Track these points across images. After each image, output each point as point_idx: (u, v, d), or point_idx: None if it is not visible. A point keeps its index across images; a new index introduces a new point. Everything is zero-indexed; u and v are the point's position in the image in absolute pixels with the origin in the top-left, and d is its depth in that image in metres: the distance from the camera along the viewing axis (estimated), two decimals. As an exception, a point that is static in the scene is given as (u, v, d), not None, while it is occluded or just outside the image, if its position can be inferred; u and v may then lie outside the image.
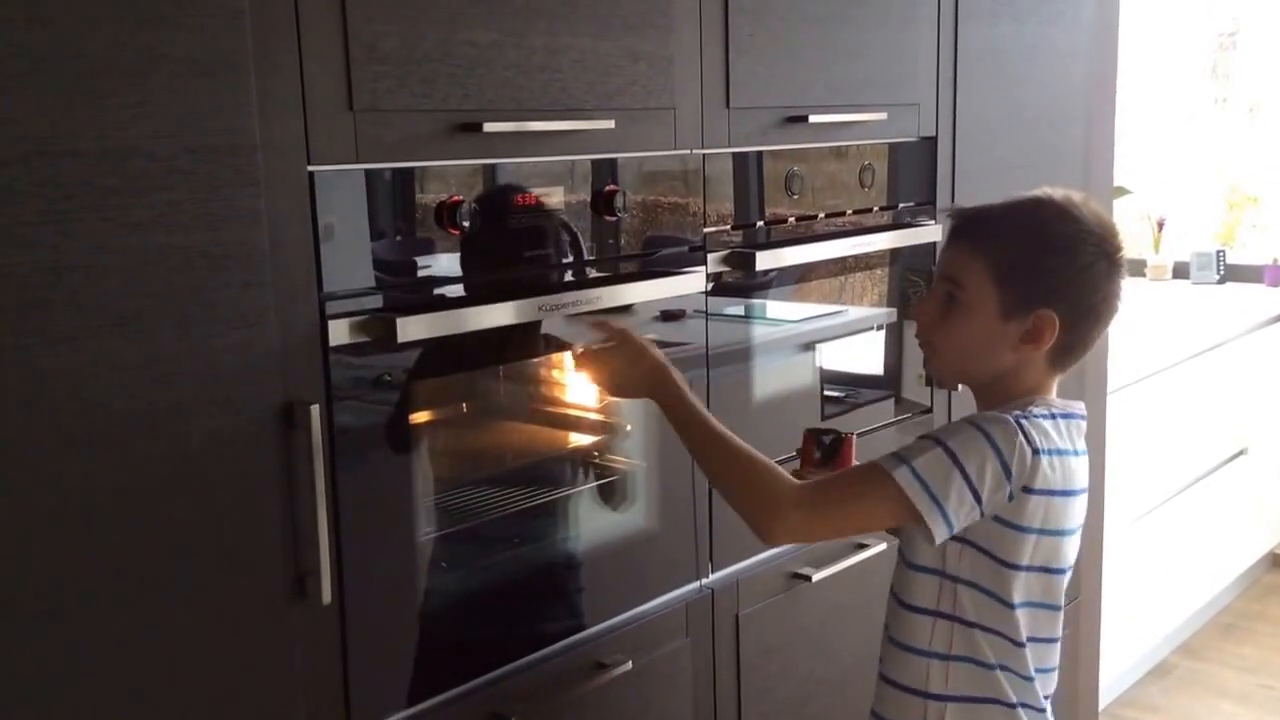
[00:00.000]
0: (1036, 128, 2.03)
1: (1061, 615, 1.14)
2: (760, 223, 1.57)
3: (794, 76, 1.54)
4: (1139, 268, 3.80)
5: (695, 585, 1.53)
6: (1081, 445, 1.13)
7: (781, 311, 1.66)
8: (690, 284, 1.44)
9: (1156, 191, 3.90)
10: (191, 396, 0.99)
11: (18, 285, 0.89)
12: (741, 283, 1.55)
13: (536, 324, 1.29)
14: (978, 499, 1.06)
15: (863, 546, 1.73)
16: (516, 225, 1.28)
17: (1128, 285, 1.15)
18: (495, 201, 1.25)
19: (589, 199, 1.34)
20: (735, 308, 1.56)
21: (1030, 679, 1.13)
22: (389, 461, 1.19)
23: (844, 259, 1.70)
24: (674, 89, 1.38)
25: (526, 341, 1.33)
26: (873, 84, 1.67)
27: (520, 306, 1.24)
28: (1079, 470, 1.12)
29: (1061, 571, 1.12)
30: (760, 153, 1.54)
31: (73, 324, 0.92)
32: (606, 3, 1.28)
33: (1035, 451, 1.06)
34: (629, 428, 1.46)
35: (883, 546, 1.72)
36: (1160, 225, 3.86)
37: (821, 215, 1.65)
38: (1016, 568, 1.09)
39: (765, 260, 1.52)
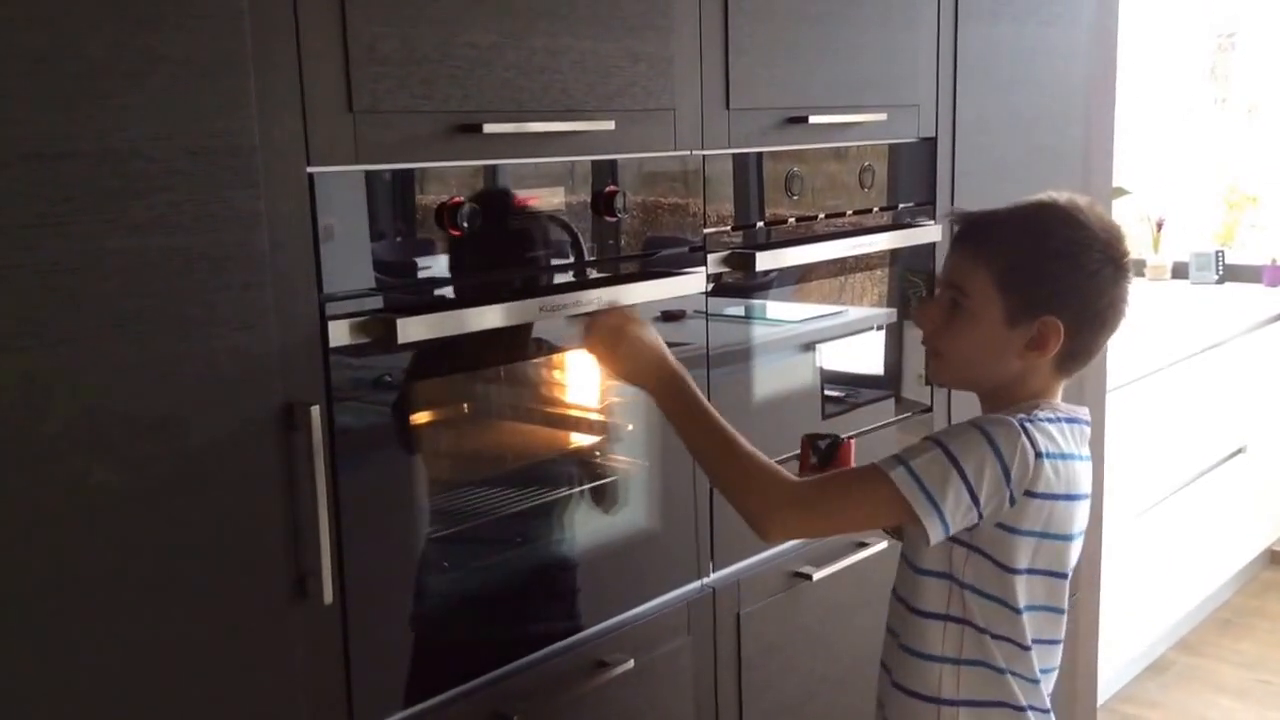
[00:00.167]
0: (1036, 128, 2.03)
1: (1065, 618, 1.14)
2: (760, 223, 1.57)
3: (794, 77, 1.54)
4: (1138, 268, 3.80)
5: (696, 584, 1.53)
6: (1086, 450, 1.13)
7: (782, 312, 1.67)
8: (690, 285, 1.44)
9: (1155, 192, 3.90)
10: (191, 398, 0.99)
11: (17, 287, 0.89)
12: (742, 283, 1.55)
13: (537, 325, 1.29)
14: (975, 501, 1.05)
15: (863, 545, 1.73)
16: (517, 226, 1.28)
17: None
18: (495, 202, 1.25)
19: (589, 200, 1.34)
20: (735, 308, 1.56)
21: (1036, 681, 1.13)
22: (390, 462, 1.19)
23: (844, 259, 1.70)
24: (674, 90, 1.38)
25: (527, 342, 1.33)
26: (872, 85, 1.67)
27: (520, 307, 1.24)
28: (1083, 475, 1.11)
29: (1064, 576, 1.12)
30: (760, 153, 1.54)
31: (72, 326, 0.92)
32: (606, 4, 1.28)
33: (1038, 455, 1.06)
34: (630, 427, 1.46)
35: (883, 545, 1.73)
36: (1159, 225, 3.86)
37: (821, 216, 1.65)
38: (1020, 572, 1.09)
39: (765, 261, 1.52)
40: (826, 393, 1.73)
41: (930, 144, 1.81)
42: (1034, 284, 1.10)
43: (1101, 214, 1.14)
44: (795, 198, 1.60)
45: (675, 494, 1.49)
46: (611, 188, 1.34)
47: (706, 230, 1.48)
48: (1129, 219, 3.76)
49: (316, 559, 1.07)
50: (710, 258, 1.48)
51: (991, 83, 1.91)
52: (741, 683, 1.58)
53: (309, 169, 1.05)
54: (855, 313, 1.79)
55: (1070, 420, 1.12)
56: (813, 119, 1.56)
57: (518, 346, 1.33)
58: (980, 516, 1.07)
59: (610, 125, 1.30)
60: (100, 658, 0.97)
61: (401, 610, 1.22)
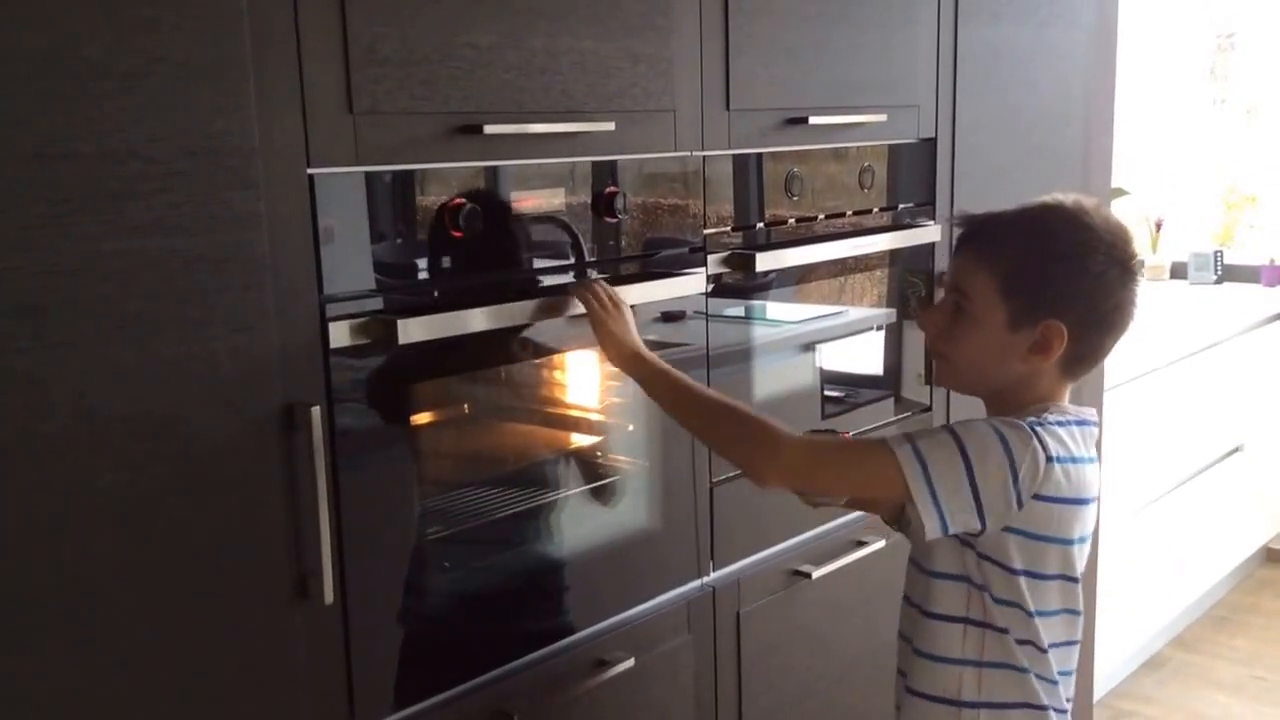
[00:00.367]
0: (1035, 129, 2.03)
1: (1080, 620, 1.13)
2: (760, 224, 1.57)
3: (794, 78, 1.54)
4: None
5: (697, 583, 1.53)
6: (1094, 452, 1.12)
7: (781, 312, 1.67)
8: (690, 285, 1.44)
9: (1154, 192, 3.90)
10: (192, 399, 0.99)
11: (16, 288, 0.89)
12: (742, 284, 1.55)
13: (537, 325, 1.29)
14: (978, 501, 1.04)
15: (861, 544, 1.73)
16: (517, 227, 1.28)
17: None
18: (496, 203, 1.25)
19: (589, 201, 1.34)
20: (735, 309, 1.56)
21: (1055, 682, 1.12)
22: (390, 462, 1.19)
23: (844, 260, 1.70)
24: (674, 91, 1.38)
25: (527, 343, 1.33)
26: (872, 85, 1.67)
27: (521, 308, 1.24)
28: (1092, 478, 1.10)
29: (1075, 580, 1.11)
30: (760, 154, 1.54)
31: (72, 327, 0.92)
32: (606, 4, 1.28)
33: (1049, 459, 1.04)
34: (630, 428, 1.46)
35: (881, 544, 1.73)
36: (1158, 226, 3.87)
37: (821, 216, 1.65)
38: (1030, 575, 1.08)
39: (765, 261, 1.52)
40: (826, 393, 1.74)
41: (930, 144, 1.81)
42: (1037, 287, 1.09)
43: (1108, 215, 1.12)
44: (795, 198, 1.60)
45: (675, 494, 1.49)
46: (612, 188, 1.34)
47: (706, 231, 1.48)
48: (1128, 219, 3.76)
49: (317, 559, 1.08)
50: (710, 258, 1.48)
51: (991, 83, 1.91)
52: (741, 681, 1.59)
53: (309, 170, 1.05)
54: (855, 313, 1.79)
55: (1080, 423, 1.11)
56: (813, 119, 1.56)
57: (518, 347, 1.33)
58: (983, 521, 1.05)
59: (610, 126, 1.30)
60: (101, 658, 0.97)
61: (403, 610, 1.22)
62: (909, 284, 1.84)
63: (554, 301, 1.27)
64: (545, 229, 1.31)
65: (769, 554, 1.62)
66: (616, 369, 1.27)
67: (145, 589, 0.98)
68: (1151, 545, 2.84)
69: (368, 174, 1.12)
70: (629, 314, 1.27)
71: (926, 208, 1.83)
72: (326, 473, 1.07)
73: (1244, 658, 2.98)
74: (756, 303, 1.61)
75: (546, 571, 1.40)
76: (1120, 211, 3.33)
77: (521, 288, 1.28)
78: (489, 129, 1.17)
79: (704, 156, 1.45)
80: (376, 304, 1.14)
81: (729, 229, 1.51)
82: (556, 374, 1.43)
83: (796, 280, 1.66)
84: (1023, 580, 1.08)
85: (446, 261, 1.22)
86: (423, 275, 1.20)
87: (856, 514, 1.72)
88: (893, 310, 1.83)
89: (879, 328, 1.83)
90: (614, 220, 1.36)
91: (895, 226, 1.78)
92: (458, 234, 1.18)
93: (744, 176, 1.53)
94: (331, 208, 1.08)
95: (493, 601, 1.33)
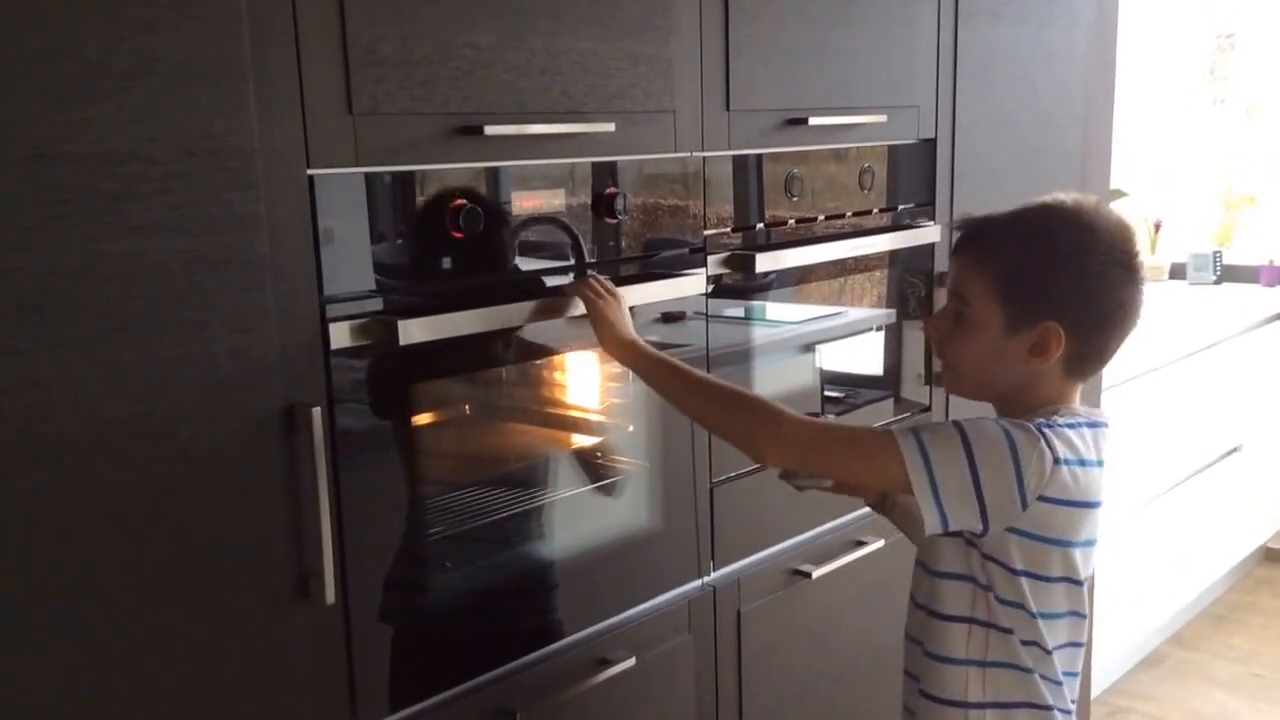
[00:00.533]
0: (1035, 129, 2.03)
1: (1086, 622, 1.12)
2: (760, 225, 1.57)
3: (794, 79, 1.54)
4: (1136, 267, 3.80)
5: (697, 583, 1.53)
6: (1105, 455, 1.10)
7: (781, 313, 1.67)
8: (690, 286, 1.44)
9: (1154, 192, 3.91)
10: (192, 400, 0.99)
11: (15, 290, 0.88)
12: (742, 285, 1.55)
13: (537, 326, 1.29)
14: (979, 496, 1.03)
15: (861, 544, 1.73)
16: (517, 228, 1.28)
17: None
18: (496, 204, 1.25)
19: (589, 201, 1.34)
20: (735, 309, 1.57)
21: (1059, 683, 1.11)
22: (391, 462, 1.19)
23: (844, 261, 1.70)
24: (674, 91, 1.38)
25: (527, 343, 1.33)
26: (872, 86, 1.67)
27: (521, 309, 1.24)
28: (1100, 482, 1.09)
29: (1080, 583, 1.10)
30: (760, 155, 1.54)
31: (71, 329, 0.92)
32: (606, 5, 1.28)
33: (1056, 461, 1.03)
34: (630, 428, 1.46)
35: (881, 544, 1.73)
36: (1157, 226, 3.87)
37: (821, 217, 1.65)
38: (1033, 577, 1.07)
39: (765, 262, 1.52)
40: (826, 393, 1.74)
41: (930, 145, 1.81)
42: (1033, 289, 1.08)
43: (1109, 214, 1.11)
44: (795, 199, 1.60)
45: (675, 494, 1.49)
46: (612, 189, 1.34)
47: (706, 232, 1.48)
48: (1127, 220, 3.76)
49: (318, 559, 1.08)
50: (710, 259, 1.48)
51: (991, 84, 1.91)
52: (741, 679, 1.59)
53: (309, 171, 1.05)
54: (855, 313, 1.79)
55: (1090, 424, 1.09)
56: (812, 120, 1.56)
57: (518, 348, 1.33)
58: (986, 521, 1.05)
59: (610, 127, 1.30)
60: (101, 658, 0.97)
61: (404, 609, 1.22)
62: (909, 284, 1.84)
63: (554, 302, 1.28)
64: (545, 230, 1.31)
65: (769, 554, 1.63)
66: (616, 368, 1.27)
67: (145, 589, 0.98)
68: (1150, 544, 2.84)
69: (368, 175, 1.12)
70: (624, 306, 1.27)
71: (926, 208, 1.83)
72: (327, 473, 1.07)
73: (1242, 656, 2.99)
74: (756, 303, 1.61)
75: (547, 571, 1.40)
76: (1119, 212, 3.34)
77: (522, 289, 1.28)
78: (489, 130, 1.17)
79: (704, 157, 1.45)
80: (377, 305, 1.14)
81: (729, 230, 1.51)
82: (557, 374, 1.43)
83: (796, 281, 1.66)
84: (1024, 581, 1.07)
85: (447, 262, 1.22)
86: (423, 276, 1.20)
87: (856, 514, 1.72)
88: (892, 311, 1.83)
89: (879, 328, 1.83)
90: (614, 221, 1.36)
91: (895, 227, 1.78)
92: (458, 235, 1.18)
93: (744, 177, 1.53)
94: (331, 208, 1.08)
95: (494, 601, 1.33)
